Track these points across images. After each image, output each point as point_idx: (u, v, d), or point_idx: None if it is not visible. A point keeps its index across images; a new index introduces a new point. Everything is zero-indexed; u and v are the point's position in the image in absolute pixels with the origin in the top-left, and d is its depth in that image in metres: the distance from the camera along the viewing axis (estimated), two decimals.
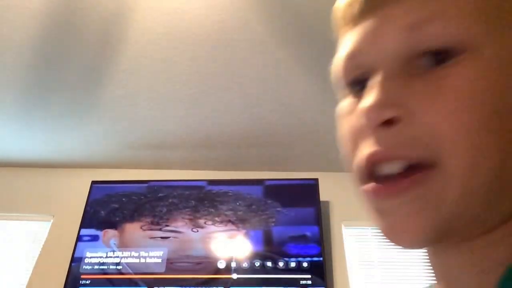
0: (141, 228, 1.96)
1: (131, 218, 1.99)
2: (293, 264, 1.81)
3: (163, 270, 1.83)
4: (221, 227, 1.93)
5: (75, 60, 1.62)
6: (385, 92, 0.26)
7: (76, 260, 1.90)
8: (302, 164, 2.23)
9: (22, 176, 2.34)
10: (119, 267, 1.86)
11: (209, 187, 2.07)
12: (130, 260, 1.87)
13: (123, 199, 2.06)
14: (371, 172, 0.27)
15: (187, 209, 1.99)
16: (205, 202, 2.01)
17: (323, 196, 2.11)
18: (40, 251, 2.03)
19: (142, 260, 1.87)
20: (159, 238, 1.92)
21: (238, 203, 2.00)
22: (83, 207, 2.09)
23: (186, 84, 1.72)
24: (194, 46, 1.54)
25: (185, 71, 1.66)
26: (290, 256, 1.83)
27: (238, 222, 1.94)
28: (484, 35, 0.25)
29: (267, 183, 2.07)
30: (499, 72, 0.24)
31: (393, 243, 0.27)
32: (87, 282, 1.84)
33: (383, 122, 0.26)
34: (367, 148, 0.27)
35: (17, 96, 1.82)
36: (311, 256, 1.82)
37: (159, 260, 1.85)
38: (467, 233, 0.26)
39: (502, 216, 0.26)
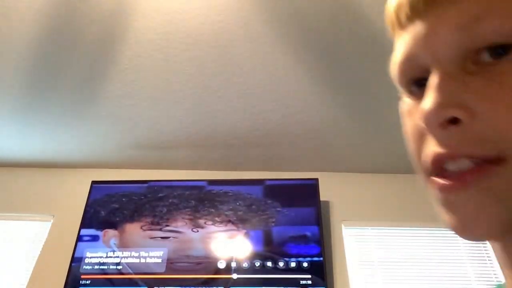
0: (141, 228, 1.96)
1: (131, 218, 1.99)
2: (293, 264, 1.81)
3: (163, 270, 1.83)
4: (221, 227, 1.93)
5: (75, 60, 1.62)
6: (444, 93, 0.26)
7: (76, 260, 1.90)
8: (302, 164, 2.24)
9: (22, 176, 2.34)
10: (119, 267, 1.86)
11: (209, 187, 2.07)
12: (130, 260, 1.88)
13: (123, 199, 2.06)
14: (438, 168, 0.27)
15: (187, 209, 1.99)
16: (205, 202, 2.01)
17: (323, 196, 2.11)
18: (40, 251, 2.03)
19: (142, 260, 1.87)
20: (159, 238, 1.92)
21: (238, 203, 2.00)
22: (83, 207, 2.09)
23: (186, 84, 1.72)
24: (194, 46, 1.55)
25: (185, 71, 1.66)
26: (290, 256, 1.83)
27: (238, 222, 1.94)
28: None
29: (267, 183, 2.07)
30: None
31: (462, 237, 0.27)
32: (87, 282, 1.84)
33: (446, 122, 0.26)
34: (431, 148, 0.27)
35: (17, 96, 1.82)
36: (311, 256, 1.82)
37: (159, 260, 1.85)
38: None
39: None
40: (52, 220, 2.14)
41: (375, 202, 2.16)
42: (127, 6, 1.41)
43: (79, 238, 1.96)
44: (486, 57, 0.25)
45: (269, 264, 1.82)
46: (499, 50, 0.25)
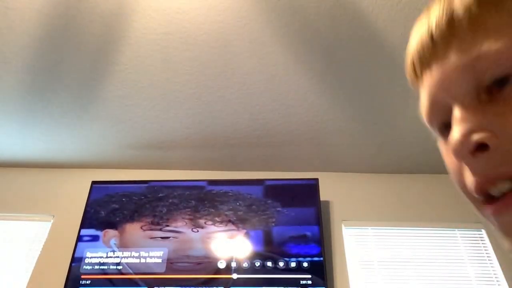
0: (141, 228, 1.96)
1: (131, 218, 1.99)
2: (293, 264, 1.81)
3: (163, 270, 1.83)
4: (221, 227, 1.93)
5: (76, 60, 1.62)
6: (466, 123, 0.28)
7: (76, 260, 1.90)
8: (302, 164, 2.24)
9: (23, 176, 2.34)
10: (119, 267, 1.86)
11: (209, 187, 2.07)
12: (130, 260, 1.88)
13: (123, 199, 2.06)
14: (484, 195, 0.29)
15: (187, 209, 1.99)
16: (205, 202, 2.02)
17: (323, 196, 2.12)
18: (40, 251, 2.03)
19: (143, 260, 1.87)
20: (159, 238, 1.92)
21: (238, 203, 2.00)
22: (83, 207, 2.09)
23: (186, 84, 1.72)
24: (194, 46, 1.55)
25: (185, 71, 1.66)
26: (290, 256, 1.83)
27: (238, 222, 1.94)
28: None
29: (267, 183, 2.07)
30: None
31: None
32: (87, 282, 1.84)
33: (474, 150, 0.28)
34: (470, 178, 0.29)
35: (18, 96, 1.82)
36: (311, 256, 1.82)
37: (159, 260, 1.86)
38: None
39: None
40: (52, 220, 2.14)
41: (375, 202, 2.16)
42: (127, 6, 1.41)
43: (79, 238, 1.96)
44: (494, 87, 0.28)
45: (269, 264, 1.82)
46: (502, 81, 0.28)
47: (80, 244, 1.95)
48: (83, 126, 1.99)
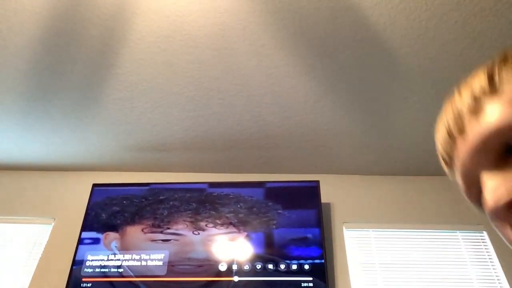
0: (142, 230, 1.96)
1: (132, 221, 1.99)
2: (294, 267, 1.80)
3: (164, 273, 1.83)
4: (222, 230, 1.93)
5: (76, 63, 1.63)
6: (494, 186, 0.33)
7: (77, 263, 1.90)
8: (303, 166, 2.23)
9: (23, 179, 2.34)
10: (120, 270, 1.86)
11: (210, 190, 2.07)
12: (131, 263, 1.87)
13: (124, 201, 2.06)
14: None
15: (188, 212, 1.99)
16: (206, 204, 2.01)
17: (324, 198, 2.11)
18: (41, 254, 2.03)
19: (143, 263, 1.86)
20: (160, 241, 1.92)
21: (239, 206, 2.00)
22: (84, 210, 2.09)
23: (187, 87, 1.73)
24: (195, 48, 1.55)
25: (186, 74, 1.66)
26: (291, 259, 1.82)
27: (239, 224, 1.94)
28: None
29: (268, 185, 2.07)
30: None
31: None
32: (88, 285, 1.83)
33: (508, 207, 0.32)
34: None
35: (18, 99, 1.82)
36: (313, 258, 1.82)
37: (160, 263, 1.85)
38: None
39: None
40: (53, 223, 2.14)
41: (376, 204, 2.16)
42: (128, 9, 1.41)
43: (80, 241, 1.96)
44: (508, 151, 0.33)
45: (270, 266, 1.81)
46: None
47: (81, 247, 1.94)
48: (84, 128, 1.99)
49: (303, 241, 1.87)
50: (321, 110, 1.82)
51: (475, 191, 0.37)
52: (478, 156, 0.35)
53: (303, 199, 2.00)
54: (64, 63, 1.63)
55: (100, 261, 1.89)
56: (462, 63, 1.56)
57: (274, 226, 1.93)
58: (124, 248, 1.92)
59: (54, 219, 2.16)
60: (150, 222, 1.98)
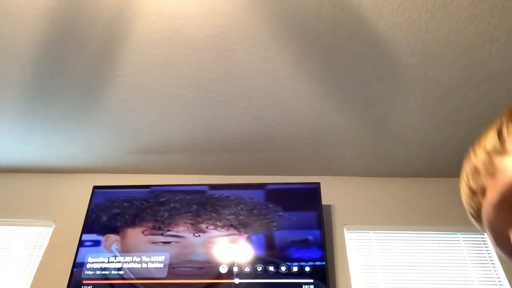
0: (142, 233, 1.96)
1: (133, 223, 1.99)
2: (295, 269, 1.80)
3: (164, 275, 1.82)
4: (223, 232, 1.93)
5: (77, 65, 1.63)
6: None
7: (78, 266, 1.89)
8: (304, 168, 2.23)
9: (24, 181, 2.34)
10: (121, 272, 1.86)
11: (211, 192, 2.07)
12: (132, 265, 1.87)
13: (125, 204, 2.06)
14: None
15: (188, 214, 1.99)
16: (207, 206, 2.01)
17: (325, 200, 2.11)
18: (42, 257, 2.02)
19: (144, 265, 1.86)
20: (161, 243, 1.92)
21: (239, 208, 1.99)
22: (85, 212, 2.09)
23: (188, 89, 1.73)
24: (195, 50, 1.55)
25: (186, 76, 1.66)
26: (292, 261, 1.82)
27: (240, 226, 1.94)
28: None
29: (269, 187, 2.07)
30: None
31: None
32: (89, 287, 1.83)
33: None
34: None
35: (19, 101, 1.82)
36: (313, 260, 1.81)
37: (161, 265, 1.85)
38: None
39: None
40: (53, 225, 2.14)
41: (377, 206, 2.16)
42: (128, 11, 1.41)
43: (81, 243, 1.96)
44: None
45: (271, 268, 1.81)
46: None
47: (81, 249, 1.94)
48: (85, 131, 1.99)
49: (304, 243, 1.87)
50: (322, 112, 1.82)
51: (507, 245, 0.39)
52: (502, 214, 0.36)
53: (304, 201, 1.99)
54: (64, 65, 1.63)
55: (100, 264, 1.89)
56: (463, 64, 1.56)
57: (275, 228, 1.92)
58: (125, 250, 1.92)
59: (55, 221, 2.16)
60: (150, 224, 1.98)
